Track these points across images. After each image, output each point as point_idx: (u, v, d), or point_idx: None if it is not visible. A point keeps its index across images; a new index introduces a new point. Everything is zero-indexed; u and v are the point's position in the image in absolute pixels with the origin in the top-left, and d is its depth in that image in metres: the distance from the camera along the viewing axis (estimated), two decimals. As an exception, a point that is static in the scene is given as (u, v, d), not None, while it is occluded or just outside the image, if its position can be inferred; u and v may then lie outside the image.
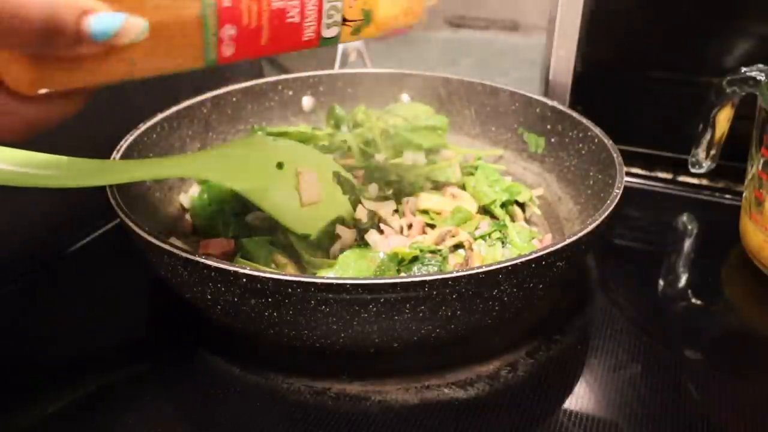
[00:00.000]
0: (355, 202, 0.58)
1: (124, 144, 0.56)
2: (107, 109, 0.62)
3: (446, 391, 0.46)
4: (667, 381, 0.47)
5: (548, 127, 0.67)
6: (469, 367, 0.48)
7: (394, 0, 0.46)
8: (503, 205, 0.62)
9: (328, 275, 0.50)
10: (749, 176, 0.59)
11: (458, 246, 0.56)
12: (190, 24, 0.35)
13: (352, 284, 0.39)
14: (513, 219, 0.61)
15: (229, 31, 0.37)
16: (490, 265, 0.41)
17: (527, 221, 0.63)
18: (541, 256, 0.42)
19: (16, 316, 0.54)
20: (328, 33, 0.42)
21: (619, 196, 0.50)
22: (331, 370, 0.47)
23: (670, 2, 0.70)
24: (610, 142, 0.58)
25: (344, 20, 0.42)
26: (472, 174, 0.66)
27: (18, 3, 0.28)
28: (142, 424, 0.43)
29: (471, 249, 0.56)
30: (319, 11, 0.40)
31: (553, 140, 0.67)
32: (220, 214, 0.59)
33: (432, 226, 0.58)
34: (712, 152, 0.65)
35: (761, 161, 0.57)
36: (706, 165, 0.66)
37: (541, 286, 0.46)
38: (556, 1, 0.74)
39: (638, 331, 0.53)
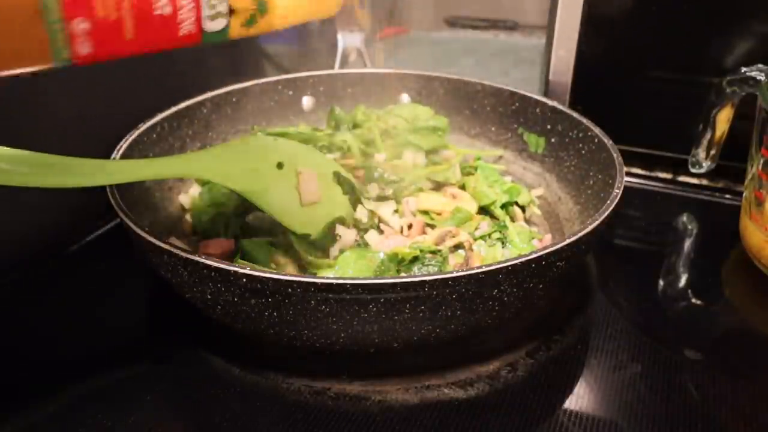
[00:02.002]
0: (355, 202, 0.58)
1: (124, 144, 0.56)
2: (107, 109, 0.62)
3: (446, 391, 0.46)
4: (667, 381, 0.47)
5: (548, 127, 0.67)
6: (469, 367, 0.48)
7: None
8: (503, 206, 0.62)
9: (328, 275, 0.50)
10: (749, 176, 0.59)
11: (458, 246, 0.56)
12: (25, 14, 0.30)
13: (352, 284, 0.39)
14: (513, 219, 0.61)
15: (80, 24, 0.32)
16: (490, 265, 0.41)
17: (527, 221, 0.63)
18: (541, 256, 0.42)
19: (16, 316, 0.54)
20: (212, 26, 0.37)
21: (619, 196, 0.50)
22: (331, 370, 0.47)
23: (670, 2, 0.70)
24: (610, 142, 0.58)
25: (231, 10, 0.37)
26: (472, 174, 0.66)
27: None
28: (142, 424, 0.43)
29: (471, 249, 0.56)
30: (197, 0, 0.36)
31: (553, 140, 0.67)
32: (221, 214, 0.59)
33: (432, 226, 0.58)
34: (712, 152, 0.65)
35: (761, 161, 0.57)
36: (706, 165, 0.66)
37: (541, 286, 0.46)
38: (556, 1, 0.74)
39: (638, 331, 0.53)
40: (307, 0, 0.42)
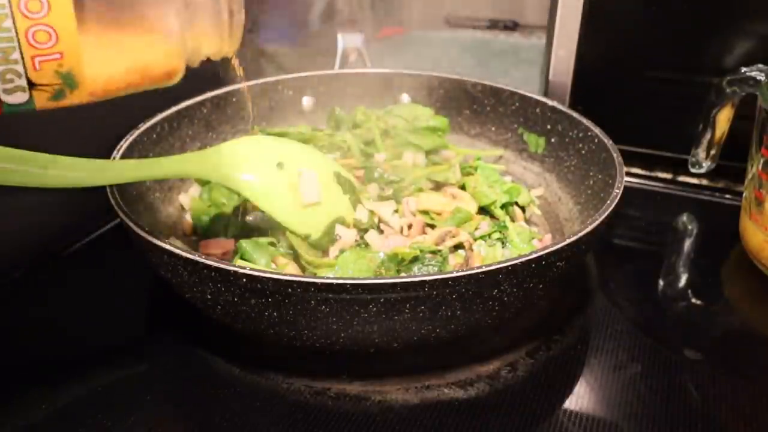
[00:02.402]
0: (355, 202, 0.58)
1: (124, 144, 0.56)
2: (107, 109, 0.62)
3: (446, 391, 0.46)
4: (667, 381, 0.47)
5: (548, 127, 0.67)
6: (469, 367, 0.48)
7: (113, 58, 0.38)
8: (503, 206, 0.62)
9: (328, 275, 0.50)
10: (749, 176, 0.59)
11: (458, 246, 0.56)
12: None
13: (352, 284, 0.39)
14: (513, 219, 0.61)
15: None
16: (490, 265, 0.41)
17: (527, 221, 0.63)
18: (541, 256, 0.42)
19: (16, 316, 0.54)
20: (11, 99, 0.36)
21: (619, 196, 0.50)
22: (331, 370, 0.47)
23: (670, 2, 0.70)
24: (610, 142, 0.58)
25: (32, 84, 0.36)
26: (471, 174, 0.66)
27: None
28: (142, 424, 0.43)
29: (471, 249, 0.56)
30: None
31: (553, 140, 0.67)
32: (221, 214, 0.59)
33: (432, 226, 0.58)
34: (712, 152, 0.65)
35: (761, 161, 0.57)
36: (706, 165, 0.66)
37: (541, 286, 0.46)
38: (556, 1, 0.74)
39: (638, 331, 0.53)
40: (131, 73, 0.40)
